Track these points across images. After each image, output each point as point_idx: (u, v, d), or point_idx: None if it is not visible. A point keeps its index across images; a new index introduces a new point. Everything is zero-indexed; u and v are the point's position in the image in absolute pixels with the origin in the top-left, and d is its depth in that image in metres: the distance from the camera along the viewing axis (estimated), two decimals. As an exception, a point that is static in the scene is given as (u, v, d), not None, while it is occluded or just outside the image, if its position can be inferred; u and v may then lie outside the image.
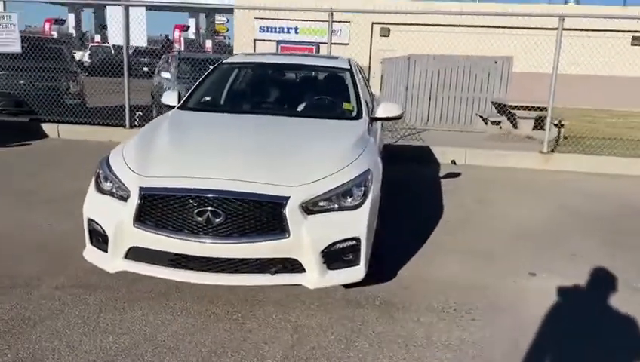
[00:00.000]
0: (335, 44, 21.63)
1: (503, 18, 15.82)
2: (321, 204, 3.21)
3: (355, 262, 3.30)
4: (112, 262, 3.25)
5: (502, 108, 12.07)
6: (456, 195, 6.25)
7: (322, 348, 2.91)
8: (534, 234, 5.01)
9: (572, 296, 3.69)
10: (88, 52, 27.79)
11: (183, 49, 27.57)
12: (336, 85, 4.90)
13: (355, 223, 3.25)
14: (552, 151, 9.01)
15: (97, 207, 3.34)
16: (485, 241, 4.73)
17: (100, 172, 3.42)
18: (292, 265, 3.17)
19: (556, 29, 7.61)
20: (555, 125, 11.40)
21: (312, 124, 4.15)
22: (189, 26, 29.87)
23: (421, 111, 13.71)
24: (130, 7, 8.16)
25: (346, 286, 3.58)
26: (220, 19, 35.04)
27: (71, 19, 30.18)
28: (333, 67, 5.10)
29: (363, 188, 3.35)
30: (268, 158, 3.44)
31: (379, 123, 4.95)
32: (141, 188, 3.15)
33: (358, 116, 4.41)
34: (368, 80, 22.99)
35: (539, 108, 11.23)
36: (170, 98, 4.73)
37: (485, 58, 13.63)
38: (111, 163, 3.45)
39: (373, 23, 21.57)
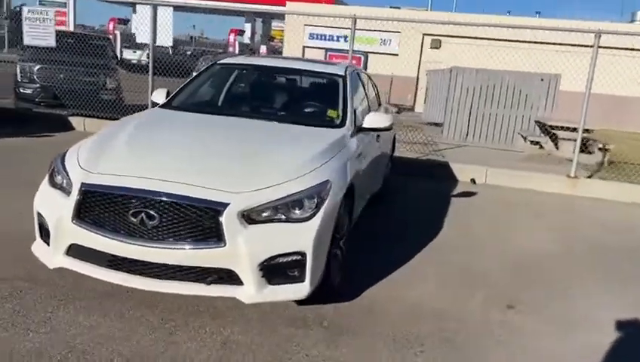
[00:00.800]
0: (384, 54, 21.62)
1: (555, 35, 15.08)
2: (265, 213, 3.03)
3: (300, 279, 3.09)
4: (53, 257, 3.19)
5: (545, 127, 11.47)
6: (463, 215, 5.89)
7: (242, 368, 2.72)
8: (535, 263, 4.62)
9: (541, 335, 3.32)
10: (147, 52, 28.64)
11: (237, 52, 28.04)
12: (326, 92, 4.69)
13: (301, 237, 3.05)
14: (591, 176, 8.43)
15: (46, 200, 3.29)
16: (476, 267, 4.39)
17: (54, 166, 3.38)
18: (229, 276, 3.00)
19: (607, 47, 7.12)
20: (600, 148, 10.72)
21: (286, 130, 3.97)
22: (244, 31, 30.37)
23: (460, 126, 13.23)
24: (158, 7, 8.26)
25: (299, 302, 3.38)
26: (278, 25, 35.45)
27: (134, 18, 31.23)
28: (326, 73, 4.89)
29: (316, 200, 3.14)
30: (221, 162, 3.29)
31: (374, 133, 4.70)
32: (82, 184, 3.08)
33: (341, 124, 4.19)
34: (416, 92, 22.46)
35: (585, 130, 10.57)
36: (158, 96, 4.65)
37: (531, 74, 13.02)
38: (66, 157, 3.40)
39: (423, 35, 21.13)
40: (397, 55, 21.31)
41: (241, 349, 2.87)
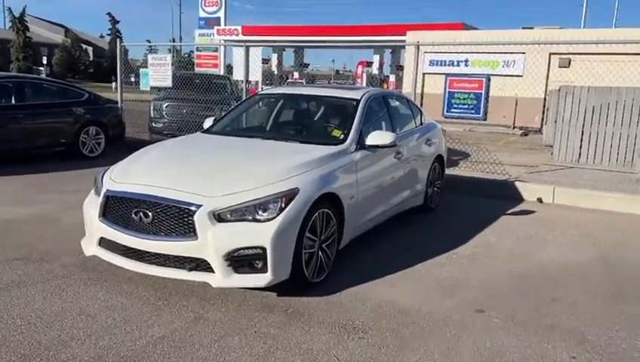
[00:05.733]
0: (507, 75, 20.99)
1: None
2: (233, 213, 3.66)
3: (262, 270, 3.65)
4: (88, 246, 4.15)
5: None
6: (498, 232, 5.89)
7: (193, 335, 3.33)
8: (540, 278, 4.55)
9: (493, 333, 3.45)
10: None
11: (364, 84, 29.18)
12: (339, 114, 5.20)
13: (262, 234, 3.61)
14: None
15: (88, 204, 4.26)
16: (472, 277, 4.49)
17: (97, 178, 4.37)
18: (204, 265, 3.66)
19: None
20: None
21: (286, 147, 4.58)
22: (372, 62, 31.51)
23: (572, 148, 12.52)
24: (250, 48, 9.42)
25: (279, 294, 3.93)
26: (410, 54, 35.98)
27: (274, 58, 34.41)
28: (343, 98, 5.35)
29: (279, 204, 3.70)
30: (207, 173, 4.01)
31: (389, 150, 5.08)
32: (107, 190, 3.99)
33: (342, 142, 4.66)
34: (543, 114, 21.37)
35: None
36: (207, 123, 5.58)
37: (655, 89, 11.93)
38: (106, 172, 4.37)
39: (550, 54, 20.22)
40: (521, 76, 20.67)
41: (204, 323, 3.49)
